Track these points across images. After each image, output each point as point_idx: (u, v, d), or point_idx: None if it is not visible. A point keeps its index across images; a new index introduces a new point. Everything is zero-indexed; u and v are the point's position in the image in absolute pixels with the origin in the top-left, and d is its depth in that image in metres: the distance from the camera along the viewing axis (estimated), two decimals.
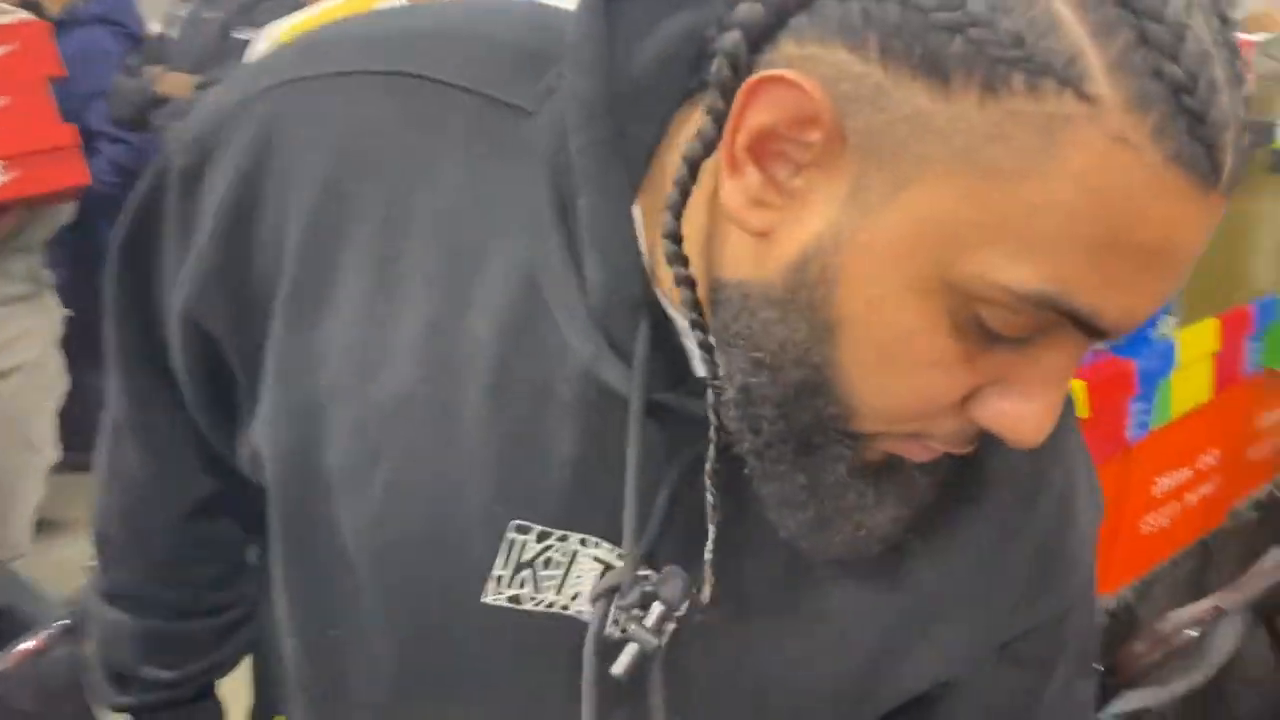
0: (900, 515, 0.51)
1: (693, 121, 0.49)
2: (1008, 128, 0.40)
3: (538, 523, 0.54)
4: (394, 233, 0.53)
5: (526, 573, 0.54)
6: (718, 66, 0.46)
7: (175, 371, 0.64)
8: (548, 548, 0.54)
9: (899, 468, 0.50)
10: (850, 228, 0.44)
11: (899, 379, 0.46)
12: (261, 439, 0.57)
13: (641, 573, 0.53)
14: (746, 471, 0.50)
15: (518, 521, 0.53)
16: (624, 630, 0.53)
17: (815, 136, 0.44)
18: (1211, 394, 1.47)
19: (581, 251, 0.51)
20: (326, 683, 0.62)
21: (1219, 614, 1.37)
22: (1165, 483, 1.46)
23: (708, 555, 0.52)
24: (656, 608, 0.52)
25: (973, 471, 0.56)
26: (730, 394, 0.49)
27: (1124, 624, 1.41)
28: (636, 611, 0.52)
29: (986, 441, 0.50)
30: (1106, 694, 1.38)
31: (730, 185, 0.46)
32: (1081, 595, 0.64)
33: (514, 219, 0.52)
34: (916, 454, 0.49)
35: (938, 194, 0.42)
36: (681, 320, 0.51)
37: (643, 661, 0.53)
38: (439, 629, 0.57)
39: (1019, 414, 0.46)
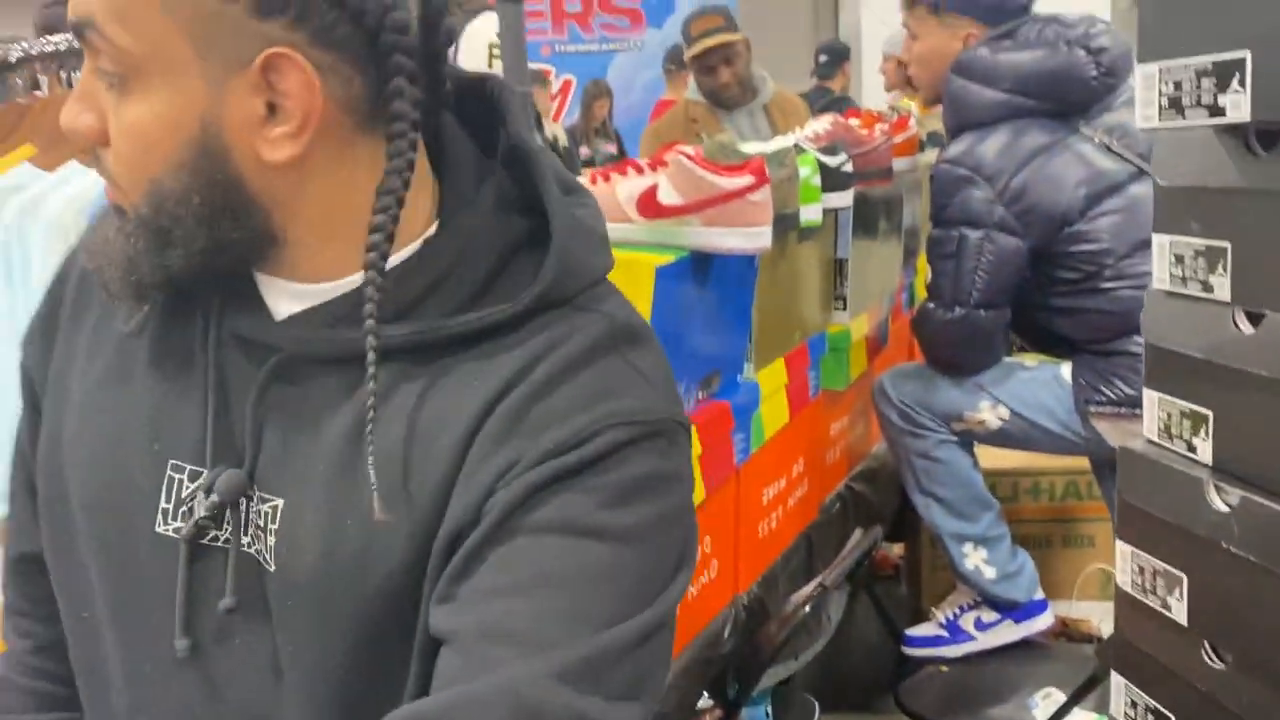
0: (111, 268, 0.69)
1: None
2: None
3: (189, 462, 0.69)
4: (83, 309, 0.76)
5: (184, 507, 0.69)
6: None
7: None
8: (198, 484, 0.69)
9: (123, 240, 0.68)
10: None
11: None
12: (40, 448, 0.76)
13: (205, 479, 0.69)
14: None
15: (172, 461, 0.70)
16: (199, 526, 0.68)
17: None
18: (789, 416, 1.76)
19: None
20: (87, 660, 0.75)
21: (824, 591, 1.66)
22: (769, 492, 1.71)
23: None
24: (214, 499, 0.67)
25: (488, 351, 0.66)
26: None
27: (757, 614, 1.62)
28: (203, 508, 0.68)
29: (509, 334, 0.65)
30: (753, 674, 1.63)
31: None
32: (554, 453, 0.64)
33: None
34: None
35: None
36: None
37: (196, 533, 0.68)
38: (129, 563, 0.70)
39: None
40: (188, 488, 0.69)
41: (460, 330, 0.66)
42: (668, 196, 1.37)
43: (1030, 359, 2.13)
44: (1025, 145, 1.91)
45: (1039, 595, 2.14)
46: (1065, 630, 2.34)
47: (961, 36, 2.02)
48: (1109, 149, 1.91)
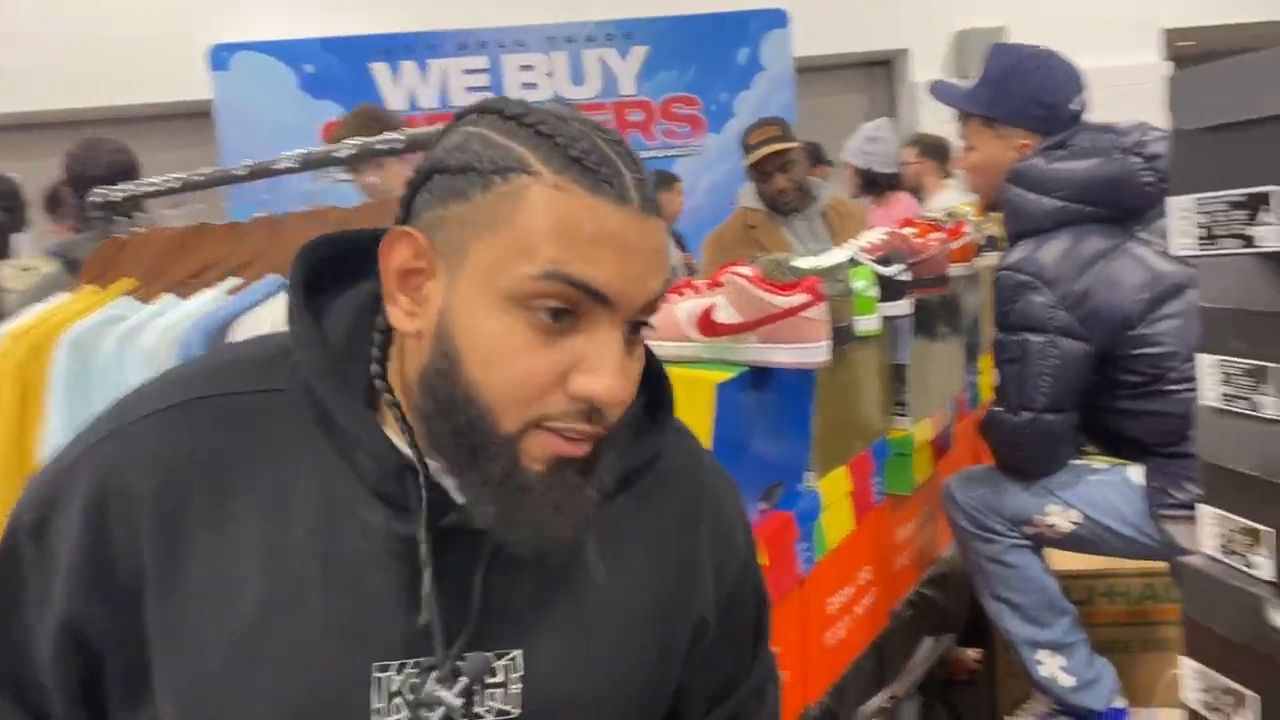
0: (575, 519, 0.73)
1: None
2: (500, 202, 0.69)
3: (390, 660, 0.75)
4: (220, 502, 0.75)
5: (398, 699, 0.75)
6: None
7: (42, 685, 0.78)
8: (408, 676, 0.75)
9: (567, 483, 0.73)
10: (452, 295, 0.71)
11: (503, 368, 0.70)
12: (168, 696, 0.74)
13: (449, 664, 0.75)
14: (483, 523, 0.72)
15: (376, 664, 0.74)
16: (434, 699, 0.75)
17: (424, 260, 0.72)
18: (855, 524, 1.76)
19: (352, 454, 0.76)
20: None
21: (896, 701, 1.65)
22: (835, 601, 1.71)
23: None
24: (463, 681, 0.75)
25: (654, 505, 0.84)
26: (444, 447, 0.72)
27: None
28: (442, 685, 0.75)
29: (660, 491, 0.83)
30: None
31: (392, 311, 0.75)
32: (750, 544, 0.95)
33: (301, 459, 0.76)
34: (560, 447, 0.71)
35: (479, 251, 0.70)
36: (434, 463, 0.75)
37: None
38: None
39: (591, 380, 0.70)
40: (395, 680, 0.75)
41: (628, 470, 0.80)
42: (726, 315, 1.42)
43: (1100, 461, 2.10)
44: (1085, 250, 1.92)
45: (1119, 703, 2.08)
46: None
47: (1016, 146, 2.06)
48: (1166, 253, 1.92)
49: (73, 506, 0.75)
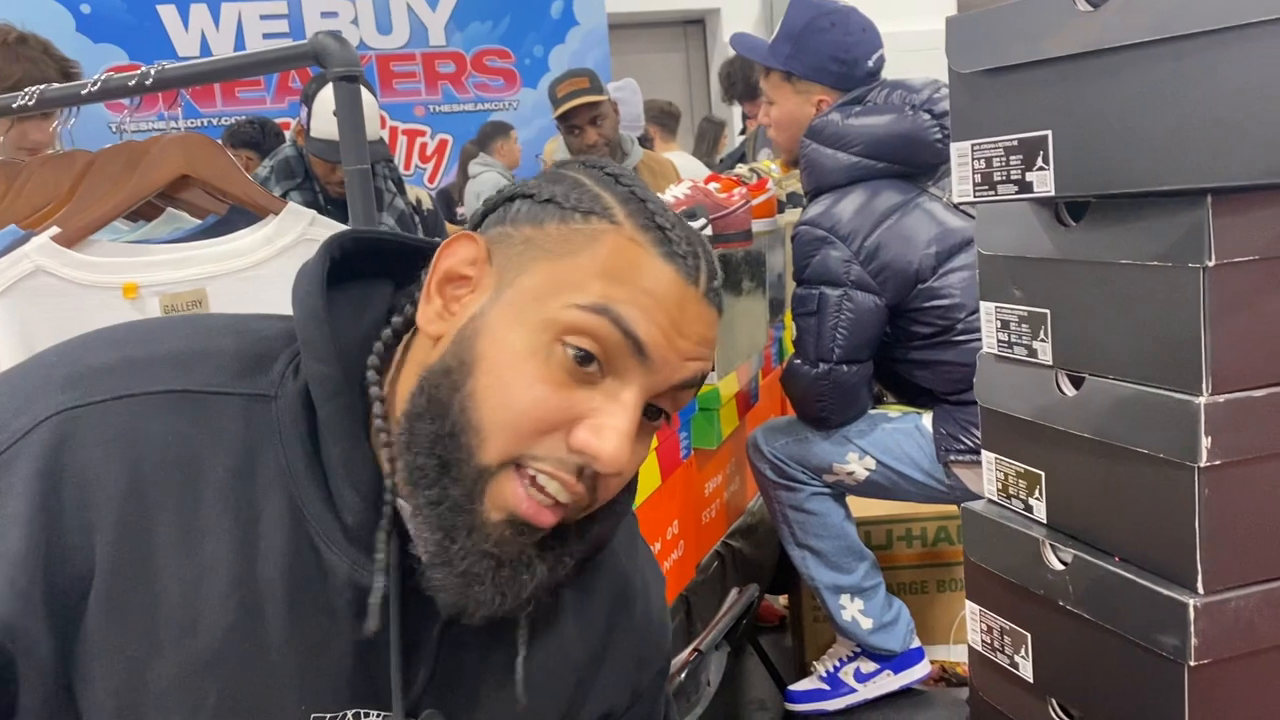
0: (510, 591, 0.68)
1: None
2: (572, 236, 0.68)
3: (330, 710, 0.68)
4: (189, 516, 0.66)
5: None
6: (424, 273, 0.71)
7: None
8: None
9: (519, 559, 0.68)
10: (492, 303, 0.67)
11: (512, 388, 0.65)
12: (92, 711, 0.64)
13: None
14: (422, 557, 0.67)
15: (315, 714, 0.68)
16: None
17: (475, 269, 0.69)
18: (661, 480, 1.76)
19: (337, 489, 0.68)
20: None
21: (699, 655, 1.66)
22: None
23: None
24: None
25: (586, 583, 0.80)
26: (410, 465, 0.66)
27: None
28: None
29: (595, 570, 0.78)
30: None
31: (423, 309, 0.70)
32: (669, 647, 0.93)
33: (274, 481, 0.68)
34: (526, 506, 0.66)
35: (534, 272, 0.67)
36: (406, 506, 0.68)
37: None
38: None
39: (595, 436, 0.65)
40: None
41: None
42: None
43: (895, 411, 2.18)
44: (879, 205, 1.97)
45: (915, 644, 2.17)
46: (944, 675, 2.37)
47: (814, 102, 2.08)
48: (957, 207, 1.98)
49: (17, 480, 0.63)
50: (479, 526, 0.66)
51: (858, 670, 2.15)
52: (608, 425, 0.66)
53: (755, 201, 2.14)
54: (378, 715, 0.72)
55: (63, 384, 0.67)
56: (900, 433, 2.04)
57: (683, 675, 1.60)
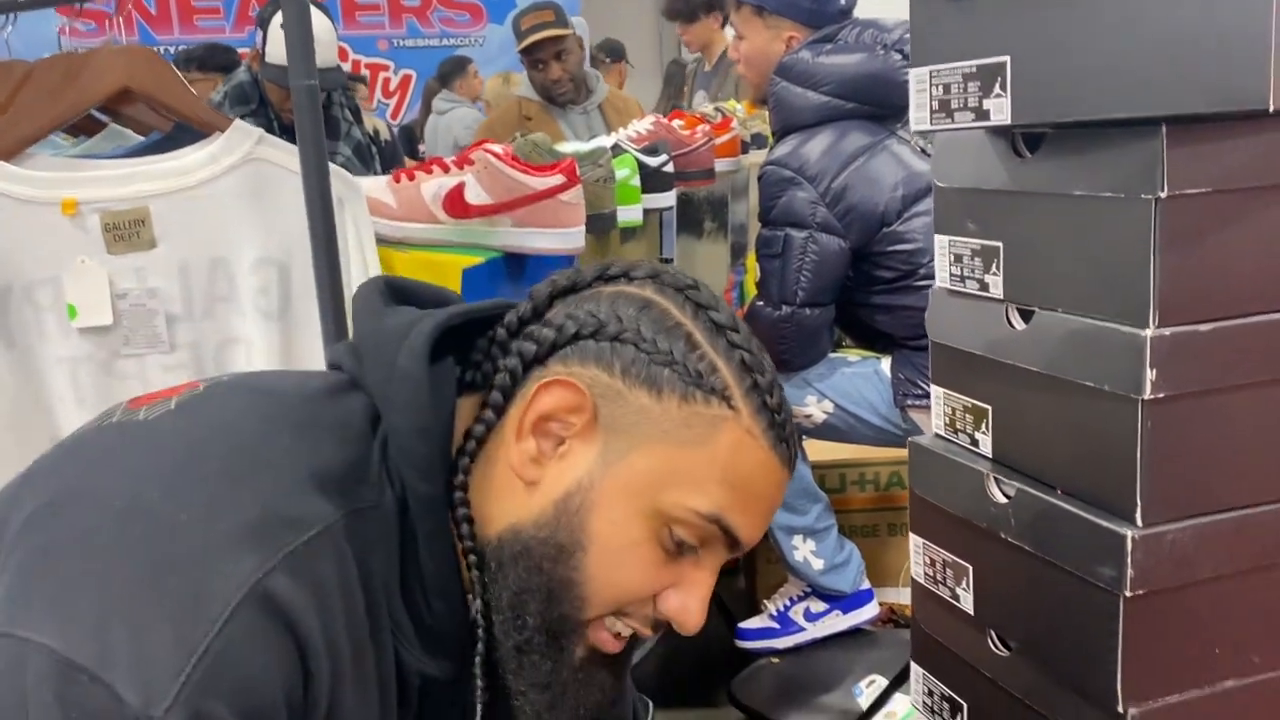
0: (603, 700, 0.74)
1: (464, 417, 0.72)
2: (692, 420, 0.68)
3: None
4: (359, 645, 0.67)
5: None
6: (501, 379, 0.70)
7: None
8: None
9: (600, 664, 0.73)
10: (600, 476, 0.68)
11: (621, 575, 0.69)
12: None
13: None
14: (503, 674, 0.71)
15: None
16: None
17: (579, 419, 0.68)
18: None
19: (424, 598, 0.69)
20: None
21: None
22: None
23: None
24: None
25: None
26: (504, 604, 0.70)
27: None
28: None
29: None
30: None
31: (516, 449, 0.69)
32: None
33: (379, 593, 0.68)
34: (609, 644, 0.72)
35: (651, 455, 0.68)
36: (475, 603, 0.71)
37: None
38: None
39: (683, 608, 0.71)
40: None
41: None
42: (476, 195, 1.34)
43: (854, 354, 2.18)
44: (847, 147, 1.95)
45: (865, 585, 2.19)
46: (893, 616, 2.40)
47: (784, 39, 2.05)
48: (924, 151, 1.97)
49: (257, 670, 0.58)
50: (567, 668, 0.72)
51: (807, 610, 2.18)
52: (695, 598, 0.71)
53: (719, 140, 2.12)
54: None
55: (227, 549, 0.60)
56: (859, 377, 2.04)
57: None
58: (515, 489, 0.70)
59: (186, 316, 1.26)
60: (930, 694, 1.04)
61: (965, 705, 0.98)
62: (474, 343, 0.75)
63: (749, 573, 2.61)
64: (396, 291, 0.77)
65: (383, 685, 0.69)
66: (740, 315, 2.29)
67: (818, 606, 2.18)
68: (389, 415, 0.69)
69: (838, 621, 2.17)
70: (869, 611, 2.19)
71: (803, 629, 2.18)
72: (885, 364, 2.04)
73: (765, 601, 2.28)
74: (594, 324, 0.70)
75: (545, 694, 0.72)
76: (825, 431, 2.10)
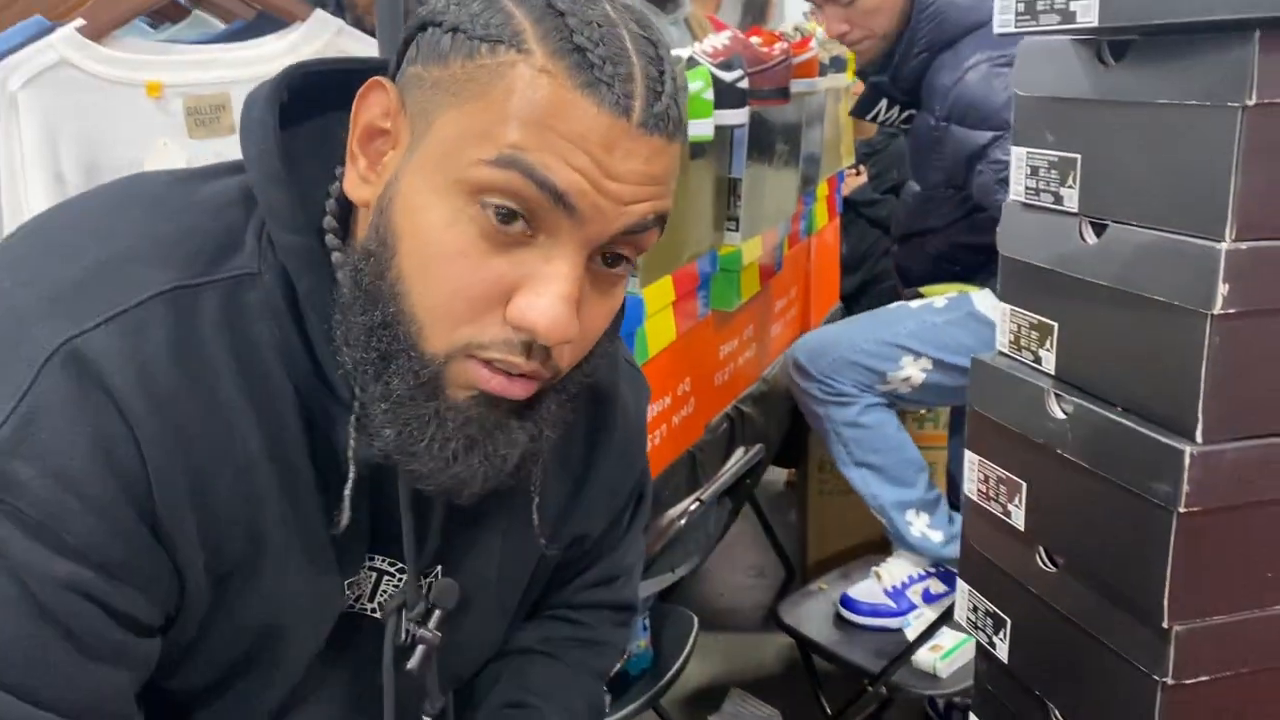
0: (494, 461, 0.65)
1: None
2: (477, 74, 0.60)
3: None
4: (221, 419, 0.64)
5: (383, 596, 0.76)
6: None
7: None
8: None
9: (496, 432, 0.65)
10: (404, 167, 0.63)
11: (439, 270, 0.60)
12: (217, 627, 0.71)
13: (421, 585, 0.75)
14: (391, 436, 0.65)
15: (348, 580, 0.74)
16: (411, 635, 0.74)
17: (391, 122, 0.64)
18: (676, 335, 1.75)
19: (327, 366, 0.65)
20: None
21: (700, 505, 1.68)
22: (654, 409, 1.69)
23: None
24: (437, 613, 0.75)
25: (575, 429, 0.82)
26: (359, 349, 0.63)
27: None
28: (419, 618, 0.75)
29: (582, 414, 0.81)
30: None
31: (349, 172, 0.65)
32: (644, 457, 0.96)
33: (274, 361, 0.65)
34: (490, 382, 0.62)
35: (443, 124, 0.61)
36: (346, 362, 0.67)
37: (429, 655, 0.74)
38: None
39: (530, 306, 0.60)
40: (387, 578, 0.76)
41: None
42: None
43: (936, 296, 2.02)
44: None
45: None
46: None
47: None
48: None
49: (57, 440, 0.58)
50: (445, 411, 0.63)
51: (927, 591, 2.04)
52: (543, 290, 0.60)
53: (796, 60, 2.08)
54: (391, 564, 0.76)
55: (39, 313, 0.60)
56: (951, 325, 1.92)
57: (682, 523, 1.63)
58: (363, 219, 0.65)
59: None
60: (975, 609, 1.04)
61: (1009, 621, 0.99)
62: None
63: (801, 507, 2.62)
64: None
65: (293, 470, 0.66)
66: (807, 248, 2.22)
67: (937, 588, 2.02)
68: (249, 174, 0.66)
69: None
70: None
71: (920, 611, 2.01)
72: (978, 299, 1.92)
73: (878, 570, 2.09)
74: (410, 29, 0.65)
75: (420, 461, 0.63)
76: (929, 393, 1.94)
